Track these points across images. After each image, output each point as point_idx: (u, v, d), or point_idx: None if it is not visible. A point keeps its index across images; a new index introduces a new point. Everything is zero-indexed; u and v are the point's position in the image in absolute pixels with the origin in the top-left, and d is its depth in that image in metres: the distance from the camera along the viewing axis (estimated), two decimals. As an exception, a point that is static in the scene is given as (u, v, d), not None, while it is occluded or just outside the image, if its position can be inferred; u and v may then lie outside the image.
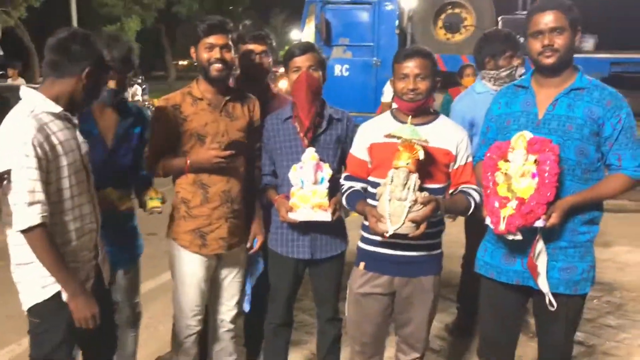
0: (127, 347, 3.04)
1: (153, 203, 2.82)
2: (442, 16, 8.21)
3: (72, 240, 2.27)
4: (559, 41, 2.31)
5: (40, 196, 2.08)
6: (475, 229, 2.91)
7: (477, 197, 2.56)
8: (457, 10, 8.21)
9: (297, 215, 2.74)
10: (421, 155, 2.39)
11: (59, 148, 2.18)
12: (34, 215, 2.07)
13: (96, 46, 2.28)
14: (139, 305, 3.07)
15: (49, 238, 2.13)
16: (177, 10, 36.06)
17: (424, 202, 2.36)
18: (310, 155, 2.72)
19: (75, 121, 2.30)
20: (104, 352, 2.67)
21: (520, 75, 3.38)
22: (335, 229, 2.91)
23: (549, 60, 2.33)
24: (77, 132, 2.31)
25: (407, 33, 8.48)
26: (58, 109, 2.20)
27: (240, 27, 3.02)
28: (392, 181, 2.40)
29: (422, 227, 2.39)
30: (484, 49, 3.69)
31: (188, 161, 2.73)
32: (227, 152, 2.70)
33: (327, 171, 2.73)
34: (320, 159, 2.74)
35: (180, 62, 46.79)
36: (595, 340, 3.89)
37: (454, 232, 4.02)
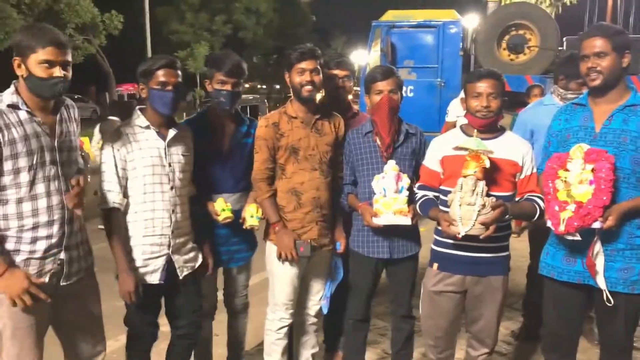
0: (239, 329, 3.49)
1: (252, 222, 3.10)
2: (506, 37, 8.26)
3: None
4: (603, 64, 2.56)
5: None
6: (539, 240, 3.14)
7: (542, 205, 2.78)
8: (521, 32, 8.23)
9: (380, 220, 3.04)
10: (487, 164, 2.67)
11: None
12: None
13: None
14: (247, 296, 3.49)
15: None
16: (243, 35, 37.24)
17: (493, 206, 2.63)
18: (391, 166, 3.03)
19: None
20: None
21: None
22: (411, 232, 3.21)
23: (595, 83, 2.60)
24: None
25: (471, 54, 8.61)
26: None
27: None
28: (461, 188, 2.68)
29: (492, 228, 2.65)
30: (562, 67, 3.91)
31: (277, 228, 3.12)
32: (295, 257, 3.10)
33: (406, 180, 3.04)
34: (400, 170, 3.07)
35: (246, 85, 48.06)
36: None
37: (521, 247, 4.25)
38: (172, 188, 2.83)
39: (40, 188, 2.37)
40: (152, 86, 2.77)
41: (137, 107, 2.92)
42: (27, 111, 2.35)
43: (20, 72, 2.35)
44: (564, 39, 7.98)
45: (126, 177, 2.75)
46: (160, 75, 2.76)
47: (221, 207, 3.04)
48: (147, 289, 2.80)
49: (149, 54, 22.12)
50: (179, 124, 2.99)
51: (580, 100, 2.78)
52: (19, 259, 2.36)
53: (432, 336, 3.07)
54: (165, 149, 2.82)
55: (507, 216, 2.77)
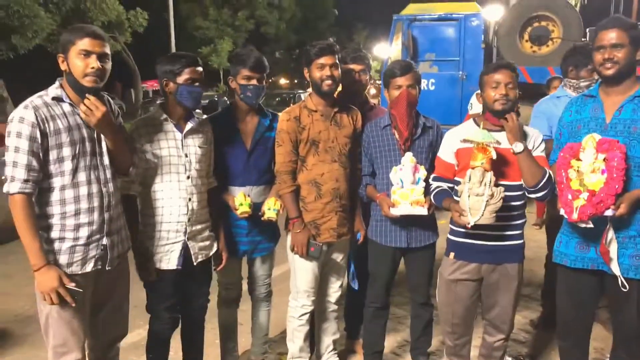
0: (261, 317, 3.61)
1: (270, 214, 3.21)
2: (529, 29, 8.22)
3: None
4: (619, 55, 2.63)
5: None
6: (554, 230, 3.18)
7: (550, 172, 2.82)
8: (543, 23, 8.19)
9: (398, 211, 3.14)
10: (494, 155, 2.76)
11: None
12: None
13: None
14: (270, 285, 3.61)
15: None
16: (266, 30, 37.36)
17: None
18: (409, 158, 3.12)
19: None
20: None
21: None
22: (428, 222, 3.30)
23: (609, 72, 2.67)
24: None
25: (493, 47, 8.59)
26: None
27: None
28: (470, 179, 2.77)
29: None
30: (569, 59, 3.98)
31: (294, 224, 3.25)
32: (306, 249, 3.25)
33: (422, 172, 3.13)
34: (417, 162, 3.16)
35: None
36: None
37: (541, 238, 4.31)
38: (188, 177, 2.97)
39: (82, 176, 2.54)
40: (181, 82, 2.91)
41: (158, 101, 3.06)
42: (69, 104, 2.53)
43: (64, 67, 2.53)
44: (587, 30, 7.94)
45: (143, 167, 2.91)
46: (188, 72, 2.91)
47: (240, 201, 3.16)
48: (165, 274, 2.97)
49: (174, 51, 22.42)
50: (199, 118, 3.12)
51: (591, 91, 2.85)
52: (64, 246, 2.52)
53: (449, 323, 3.16)
54: (182, 140, 2.97)
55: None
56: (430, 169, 3.24)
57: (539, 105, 4.11)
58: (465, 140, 2.84)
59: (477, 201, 2.74)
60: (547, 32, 8.16)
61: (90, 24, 3.77)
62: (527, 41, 8.24)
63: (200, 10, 33.51)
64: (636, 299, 2.70)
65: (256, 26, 36.32)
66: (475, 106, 7.01)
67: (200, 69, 2.98)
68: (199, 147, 3.04)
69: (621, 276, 2.66)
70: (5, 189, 2.41)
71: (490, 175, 2.74)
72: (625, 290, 2.66)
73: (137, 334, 4.01)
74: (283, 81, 46.02)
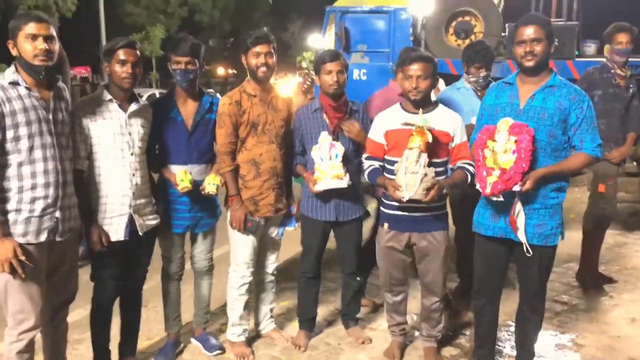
0: (202, 289, 3.79)
1: (210, 188, 3.39)
2: (454, 24, 8.59)
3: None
4: (538, 48, 2.96)
5: None
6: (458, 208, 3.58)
7: (472, 169, 3.19)
8: (467, 18, 8.60)
9: (320, 186, 3.45)
10: (430, 138, 3.10)
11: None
12: None
13: None
14: (212, 259, 3.79)
15: None
16: (200, 18, 36.84)
17: (429, 187, 3.07)
18: (323, 137, 3.44)
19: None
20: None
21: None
22: (355, 197, 3.63)
23: (529, 63, 2.99)
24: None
25: (421, 39, 8.91)
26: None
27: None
28: (407, 159, 3.11)
29: (432, 193, 3.07)
30: (463, 54, 4.29)
31: (233, 201, 3.48)
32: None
33: (339, 147, 3.43)
34: (334, 140, 3.44)
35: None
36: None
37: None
38: (132, 154, 3.17)
39: (38, 154, 2.71)
40: (115, 64, 3.11)
41: (102, 83, 3.29)
42: (25, 87, 2.70)
43: (14, 52, 2.71)
44: (507, 25, 8.39)
45: (91, 144, 3.08)
46: (122, 53, 3.10)
47: (180, 177, 3.34)
48: (112, 245, 3.15)
49: (103, 37, 21.85)
50: (140, 101, 3.30)
51: (509, 79, 3.17)
52: (20, 217, 2.69)
53: (387, 284, 3.55)
54: (126, 120, 3.16)
55: (445, 191, 3.22)
56: (357, 147, 3.56)
57: (442, 93, 4.43)
58: (406, 124, 3.14)
59: (412, 178, 3.07)
60: (470, 27, 8.56)
61: (16, 8, 3.82)
62: (452, 35, 8.61)
63: (131, -4, 32.71)
64: (538, 262, 3.07)
65: (190, 14, 35.79)
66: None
67: (134, 50, 3.16)
68: (141, 126, 3.24)
69: (526, 243, 3.01)
70: None
71: (425, 157, 3.08)
72: (529, 255, 3.02)
73: (77, 314, 4.12)
74: (221, 71, 45.46)
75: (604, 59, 4.84)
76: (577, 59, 7.44)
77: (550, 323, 4.05)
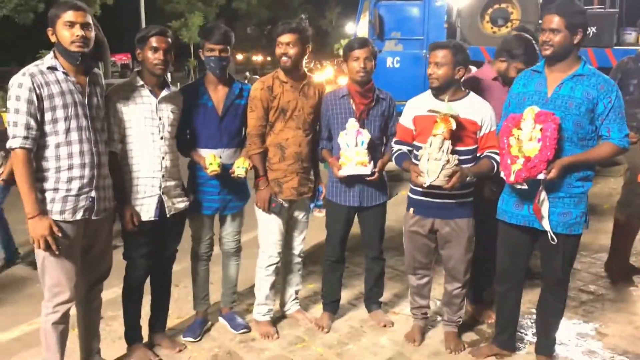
0: (230, 270, 3.91)
1: (239, 171, 3.48)
2: (489, 11, 8.51)
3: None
4: (555, 39, 2.94)
5: None
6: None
7: (499, 159, 3.18)
8: (503, 5, 8.52)
9: (344, 171, 3.51)
10: (454, 126, 3.13)
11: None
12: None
13: None
14: (240, 241, 3.90)
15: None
16: (237, 5, 37.07)
17: (452, 174, 3.10)
18: (351, 124, 3.50)
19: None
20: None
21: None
22: (379, 184, 3.68)
23: (546, 52, 2.99)
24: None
25: (456, 27, 8.85)
26: None
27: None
28: (430, 145, 3.15)
29: (453, 180, 3.10)
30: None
31: (259, 182, 3.62)
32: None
33: (366, 135, 3.48)
34: (361, 127, 3.49)
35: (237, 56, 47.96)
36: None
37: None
38: (162, 138, 3.29)
39: (74, 135, 2.85)
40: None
41: (135, 69, 3.39)
42: (63, 72, 2.84)
43: (53, 39, 2.85)
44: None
45: (124, 127, 3.21)
46: (154, 41, 3.21)
47: (209, 161, 3.43)
48: (143, 225, 3.28)
49: (143, 24, 22.17)
50: (172, 87, 3.41)
51: (537, 67, 3.16)
52: (58, 196, 2.84)
53: (411, 267, 3.61)
54: (156, 105, 3.28)
55: (468, 179, 3.23)
56: (382, 135, 3.64)
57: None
58: (430, 111, 3.18)
59: (435, 165, 3.11)
60: (507, 14, 8.46)
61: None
62: (487, 22, 8.52)
63: (171, -16, 33.08)
64: (562, 251, 3.08)
65: (227, 1, 36.04)
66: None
67: (166, 38, 3.26)
68: (172, 112, 3.35)
69: (550, 231, 3.02)
70: (8, 144, 2.74)
71: (448, 144, 3.11)
72: (554, 243, 3.02)
73: (112, 292, 4.22)
74: (258, 58, 45.65)
75: (639, 47, 4.76)
76: (616, 47, 7.31)
77: (575, 312, 4.05)
